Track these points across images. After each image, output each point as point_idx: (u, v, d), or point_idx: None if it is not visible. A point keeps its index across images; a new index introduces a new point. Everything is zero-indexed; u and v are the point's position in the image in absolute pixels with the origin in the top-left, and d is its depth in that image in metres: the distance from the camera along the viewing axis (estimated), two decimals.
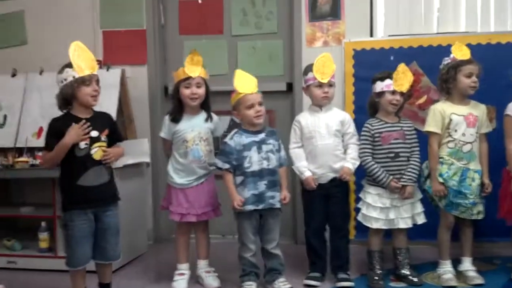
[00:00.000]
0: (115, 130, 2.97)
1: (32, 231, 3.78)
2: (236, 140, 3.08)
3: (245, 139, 3.08)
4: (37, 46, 4.36)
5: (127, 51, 4.26)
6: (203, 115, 3.25)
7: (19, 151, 3.85)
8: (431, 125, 3.12)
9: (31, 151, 3.82)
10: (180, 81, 3.17)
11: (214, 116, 3.31)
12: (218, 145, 3.41)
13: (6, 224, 4.05)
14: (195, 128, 3.20)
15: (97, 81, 2.83)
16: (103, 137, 2.83)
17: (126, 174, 3.61)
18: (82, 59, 2.76)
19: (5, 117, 4.02)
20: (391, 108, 3.14)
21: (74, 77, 2.74)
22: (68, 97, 2.77)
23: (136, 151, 3.83)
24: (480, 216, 3.11)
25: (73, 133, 2.72)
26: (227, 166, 3.07)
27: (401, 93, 3.13)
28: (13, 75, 4.11)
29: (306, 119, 3.24)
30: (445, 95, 3.19)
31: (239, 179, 3.08)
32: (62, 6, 4.35)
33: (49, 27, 4.34)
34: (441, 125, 3.10)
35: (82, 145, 2.76)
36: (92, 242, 2.84)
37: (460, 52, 3.11)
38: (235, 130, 3.15)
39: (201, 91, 3.18)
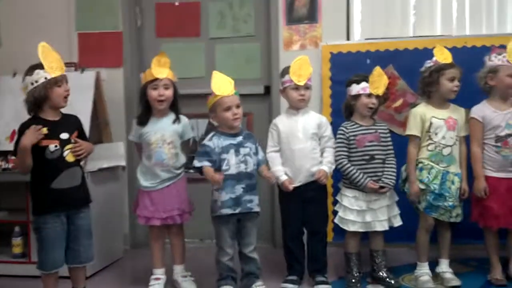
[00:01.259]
0: (83, 132, 2.96)
1: (6, 236, 3.70)
2: (215, 141, 3.04)
3: (223, 141, 3.05)
4: (11, 48, 4.27)
5: (102, 54, 4.20)
6: (170, 117, 3.20)
7: None
8: (412, 129, 3.14)
9: (4, 154, 3.74)
10: (147, 83, 3.13)
11: (183, 119, 3.25)
12: (196, 148, 3.37)
13: None
14: (158, 131, 3.15)
15: (67, 81, 2.82)
16: (73, 140, 2.80)
17: (101, 178, 3.57)
18: (51, 60, 2.73)
19: None
20: (367, 111, 3.14)
21: (46, 78, 2.70)
22: (40, 99, 2.73)
23: (111, 154, 3.79)
24: (459, 219, 3.13)
25: (28, 135, 2.68)
26: (206, 163, 3.01)
27: (377, 96, 3.13)
28: None
29: (283, 122, 3.22)
30: (425, 98, 3.21)
31: None
32: (36, 8, 4.27)
33: (23, 29, 4.25)
34: (421, 128, 3.12)
35: (52, 147, 2.73)
36: (65, 246, 2.80)
37: (442, 56, 3.13)
38: (213, 132, 3.12)
39: (169, 92, 3.14)
